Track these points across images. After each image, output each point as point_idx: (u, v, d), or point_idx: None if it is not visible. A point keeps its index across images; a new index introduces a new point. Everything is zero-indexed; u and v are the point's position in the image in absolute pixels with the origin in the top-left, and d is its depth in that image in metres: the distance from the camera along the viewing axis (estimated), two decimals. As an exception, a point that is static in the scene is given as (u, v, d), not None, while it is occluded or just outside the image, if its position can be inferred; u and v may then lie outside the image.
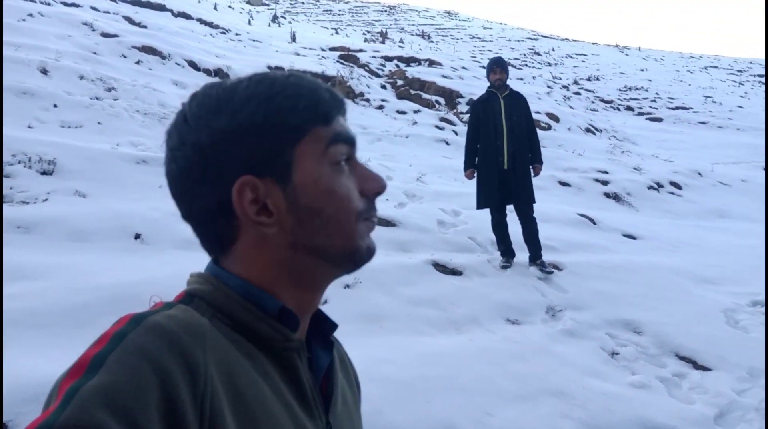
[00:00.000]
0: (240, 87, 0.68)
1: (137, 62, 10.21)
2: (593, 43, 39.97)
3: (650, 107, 20.57)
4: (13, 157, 5.12)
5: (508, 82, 5.66)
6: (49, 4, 12.07)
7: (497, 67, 5.47)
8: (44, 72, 7.60)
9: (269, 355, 0.65)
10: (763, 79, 27.57)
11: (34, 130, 5.95)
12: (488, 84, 5.58)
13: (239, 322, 0.64)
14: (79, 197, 5.00)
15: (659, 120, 18.82)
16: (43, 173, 5.11)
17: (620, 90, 23.01)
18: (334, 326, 0.76)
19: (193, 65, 11.31)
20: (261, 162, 0.65)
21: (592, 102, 20.05)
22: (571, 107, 17.11)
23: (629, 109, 20.29)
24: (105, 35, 10.93)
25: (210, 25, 17.63)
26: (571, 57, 31.13)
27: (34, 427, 0.47)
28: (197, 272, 0.69)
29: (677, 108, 20.40)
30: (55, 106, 6.60)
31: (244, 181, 0.64)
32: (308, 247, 0.67)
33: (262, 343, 0.65)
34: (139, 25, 13.38)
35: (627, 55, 34.54)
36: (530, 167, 5.42)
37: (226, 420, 0.56)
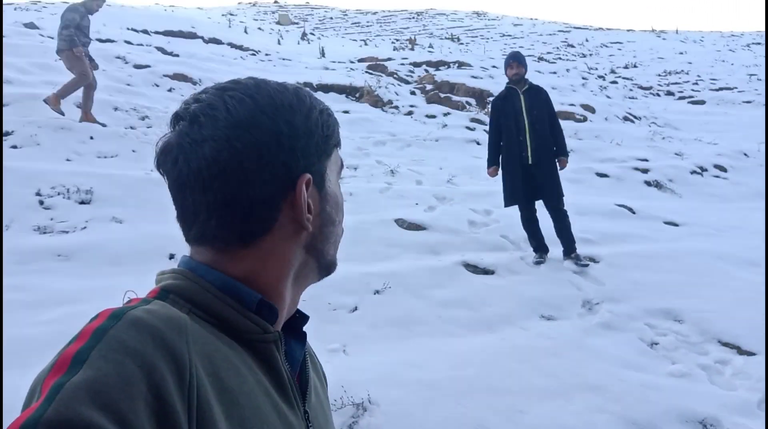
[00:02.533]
0: (300, 93, 0.74)
1: (169, 90, 10.51)
2: (628, 30, 39.05)
3: (692, 90, 19.93)
4: (52, 189, 5.34)
5: (528, 75, 5.60)
6: (85, 42, 12.57)
7: (513, 61, 5.42)
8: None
9: (247, 347, 0.66)
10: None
11: (72, 162, 6.20)
12: (507, 80, 5.53)
13: (217, 316, 0.65)
14: (116, 223, 5.18)
15: (702, 103, 18.22)
16: (81, 203, 5.32)
17: (659, 75, 22.39)
18: (305, 318, 0.78)
19: (224, 88, 11.57)
20: (313, 165, 0.71)
21: (630, 90, 19.57)
22: (608, 97, 16.74)
23: (669, 93, 19.72)
24: (138, 66, 11.30)
25: (240, 48, 18.01)
26: (606, 46, 30.48)
27: (20, 424, 0.47)
28: (169, 269, 0.70)
29: (720, 89, 19.71)
30: (91, 138, 6.86)
31: (309, 177, 0.70)
32: (317, 250, 0.73)
33: (240, 336, 0.65)
34: (170, 54, 13.78)
35: (664, 39, 33.60)
36: (556, 161, 5.32)
37: (214, 410, 0.57)
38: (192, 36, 17.97)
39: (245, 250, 0.68)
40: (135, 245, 4.75)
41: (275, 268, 0.69)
